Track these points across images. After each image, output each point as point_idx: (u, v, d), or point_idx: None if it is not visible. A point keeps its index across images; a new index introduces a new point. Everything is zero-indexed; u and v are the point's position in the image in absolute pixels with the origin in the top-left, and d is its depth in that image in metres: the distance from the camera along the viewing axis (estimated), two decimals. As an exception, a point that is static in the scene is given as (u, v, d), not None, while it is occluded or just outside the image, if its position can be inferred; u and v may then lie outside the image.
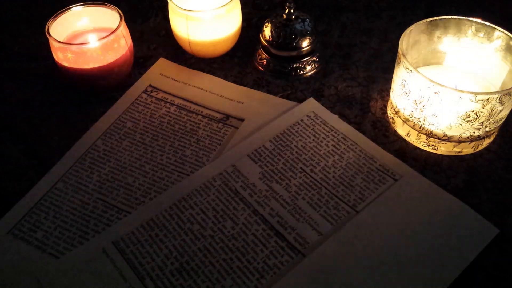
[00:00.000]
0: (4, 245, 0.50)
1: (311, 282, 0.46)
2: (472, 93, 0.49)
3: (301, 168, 0.56)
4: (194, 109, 0.63)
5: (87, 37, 0.66)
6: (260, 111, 0.62)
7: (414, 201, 0.52)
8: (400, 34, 0.55)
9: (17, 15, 0.79)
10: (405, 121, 0.57)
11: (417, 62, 0.60)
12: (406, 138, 0.58)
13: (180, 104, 0.64)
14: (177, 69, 0.68)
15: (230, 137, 0.59)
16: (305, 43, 0.65)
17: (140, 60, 0.70)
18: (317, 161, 0.56)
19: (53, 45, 0.61)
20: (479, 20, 0.56)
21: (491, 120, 0.52)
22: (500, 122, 0.54)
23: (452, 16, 0.57)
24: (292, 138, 0.59)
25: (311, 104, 0.62)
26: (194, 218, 0.52)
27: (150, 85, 0.66)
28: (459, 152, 0.56)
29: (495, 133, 0.57)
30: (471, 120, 0.51)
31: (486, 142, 0.56)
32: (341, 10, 0.77)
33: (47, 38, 0.61)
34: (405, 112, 0.56)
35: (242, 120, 0.61)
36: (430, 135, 0.55)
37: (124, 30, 0.63)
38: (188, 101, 0.64)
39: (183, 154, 0.58)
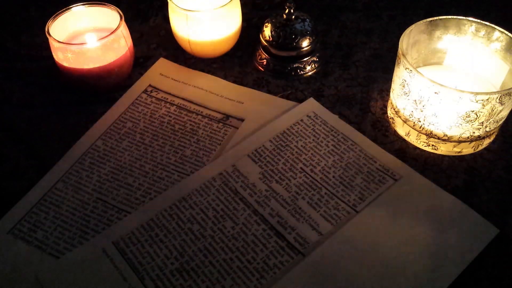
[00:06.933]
0: (4, 245, 0.50)
1: (311, 282, 0.46)
2: (472, 93, 0.49)
3: (301, 168, 0.56)
4: (194, 109, 0.63)
5: (87, 37, 0.66)
6: (260, 111, 0.62)
7: (414, 201, 0.52)
8: (400, 34, 0.55)
9: (17, 15, 0.79)
10: (405, 121, 0.57)
11: (417, 62, 0.60)
12: (406, 138, 0.58)
13: (180, 104, 0.64)
14: (177, 69, 0.68)
15: (230, 137, 0.59)
16: (305, 43, 0.65)
17: (140, 60, 0.70)
18: (317, 161, 0.56)
19: (53, 45, 0.61)
20: (479, 20, 0.56)
21: (491, 120, 0.52)
22: (500, 122, 0.54)
23: (452, 16, 0.57)
24: (292, 138, 0.59)
25: (311, 104, 0.62)
26: (194, 218, 0.52)
27: (150, 85, 0.66)
28: (459, 152, 0.56)
29: (495, 133, 0.57)
30: (471, 120, 0.51)
31: (486, 142, 0.56)
32: (341, 10, 0.77)
33: (47, 38, 0.61)
34: (405, 112, 0.56)
35: (242, 120, 0.61)
36: (430, 135, 0.55)
37: (124, 30, 0.63)
38: (188, 101, 0.64)
39: (183, 154, 0.58)
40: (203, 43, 0.65)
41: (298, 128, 0.60)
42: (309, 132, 0.59)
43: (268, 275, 0.47)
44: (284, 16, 0.65)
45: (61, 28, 0.64)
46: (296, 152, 0.57)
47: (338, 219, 0.51)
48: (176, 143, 0.59)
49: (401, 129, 0.58)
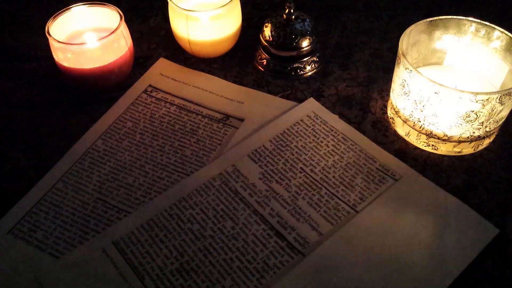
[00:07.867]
0: (4, 245, 0.50)
1: (311, 282, 0.46)
2: (472, 93, 0.49)
3: (301, 168, 0.56)
4: (194, 109, 0.63)
5: (87, 37, 0.66)
6: (260, 111, 0.62)
7: (414, 201, 0.52)
8: (400, 34, 0.55)
9: (17, 15, 0.79)
10: (405, 121, 0.57)
11: (417, 62, 0.60)
12: (406, 138, 0.58)
13: (180, 104, 0.64)
14: (177, 69, 0.68)
15: (230, 137, 0.59)
16: (305, 43, 0.65)
17: (140, 60, 0.70)
18: (317, 161, 0.56)
19: (53, 45, 0.61)
20: (479, 20, 0.56)
21: (491, 120, 0.52)
22: (500, 122, 0.54)
23: (452, 16, 0.57)
24: (292, 138, 0.59)
25: (311, 104, 0.62)
26: (194, 218, 0.52)
27: (150, 85, 0.66)
28: (459, 152, 0.56)
29: (495, 133, 0.57)
30: (471, 120, 0.51)
31: (486, 142, 0.56)
32: (341, 10, 0.77)
33: (47, 38, 0.61)
34: (405, 112, 0.56)
35: (242, 120, 0.61)
36: (430, 135, 0.55)
37: (124, 30, 0.63)
38: (188, 101, 0.64)
39: (183, 154, 0.58)
40: (203, 43, 0.65)
41: (298, 128, 0.60)
42: (309, 132, 0.59)
43: (268, 275, 0.47)
44: (284, 16, 0.65)
45: (61, 28, 0.64)
46: (296, 152, 0.57)
47: (338, 219, 0.51)
48: (176, 143, 0.59)
49: (401, 129, 0.58)
